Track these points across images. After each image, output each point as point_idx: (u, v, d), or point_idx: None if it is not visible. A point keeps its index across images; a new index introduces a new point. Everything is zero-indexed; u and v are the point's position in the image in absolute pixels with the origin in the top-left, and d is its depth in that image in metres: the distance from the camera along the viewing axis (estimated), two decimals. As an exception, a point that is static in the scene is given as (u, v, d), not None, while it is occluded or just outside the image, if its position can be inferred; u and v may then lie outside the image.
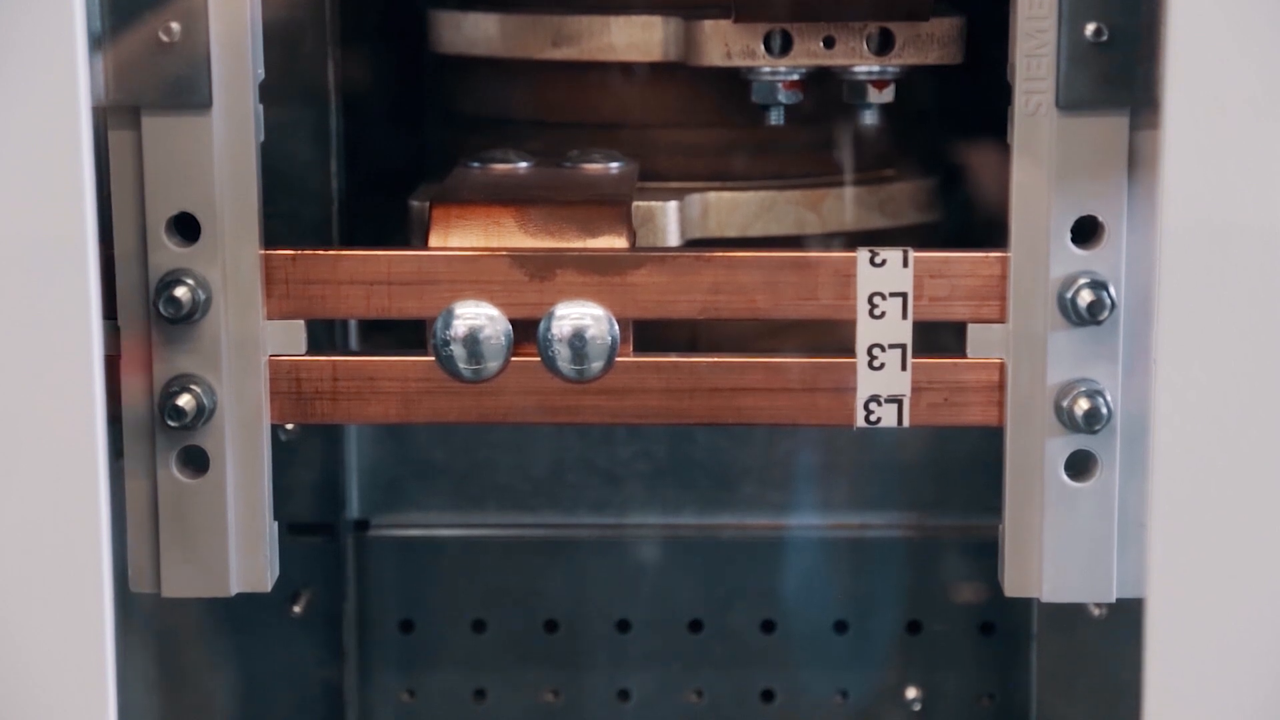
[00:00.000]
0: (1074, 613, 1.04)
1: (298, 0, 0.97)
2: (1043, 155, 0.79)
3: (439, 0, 0.99)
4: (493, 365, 0.80)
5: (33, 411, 0.71)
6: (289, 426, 0.99)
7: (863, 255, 0.81)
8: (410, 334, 0.83)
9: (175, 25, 0.77)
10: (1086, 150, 0.78)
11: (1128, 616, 0.78)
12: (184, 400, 0.80)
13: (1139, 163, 0.78)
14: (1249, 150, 0.71)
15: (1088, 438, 0.80)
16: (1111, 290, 0.79)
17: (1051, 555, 0.81)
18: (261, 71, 0.80)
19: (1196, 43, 0.70)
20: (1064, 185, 0.78)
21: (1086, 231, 0.79)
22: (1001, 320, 0.81)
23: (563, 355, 0.80)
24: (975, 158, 0.98)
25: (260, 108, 0.79)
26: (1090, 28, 0.77)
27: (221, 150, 0.79)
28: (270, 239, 0.81)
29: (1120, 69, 0.77)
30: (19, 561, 0.71)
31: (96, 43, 0.76)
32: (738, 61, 0.90)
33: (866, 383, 0.81)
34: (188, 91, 0.78)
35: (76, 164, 0.69)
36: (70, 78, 0.69)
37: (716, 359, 0.82)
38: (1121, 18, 0.76)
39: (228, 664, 1.07)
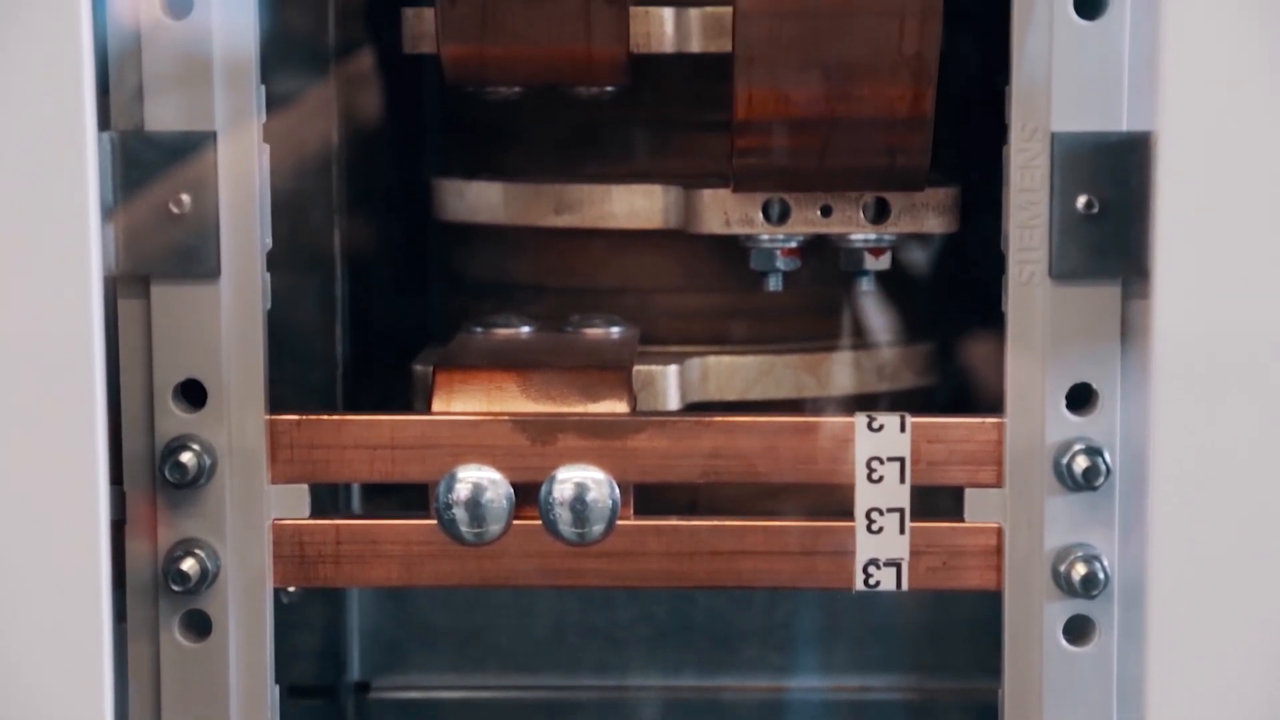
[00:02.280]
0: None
1: (306, 170, 0.99)
2: (1037, 323, 0.80)
3: (443, 169, 1.01)
4: (495, 528, 0.81)
5: (39, 575, 0.71)
6: (290, 589, 1.00)
7: (861, 420, 0.82)
8: (413, 494, 0.84)
9: (185, 197, 0.79)
10: (1080, 319, 0.79)
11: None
12: (188, 564, 0.80)
13: (1132, 331, 0.79)
14: (1240, 320, 0.72)
15: (1086, 603, 0.81)
16: (1106, 456, 0.80)
17: (1051, 719, 0.81)
18: (269, 241, 0.81)
19: (1185, 215, 0.72)
20: (1058, 353, 0.80)
21: (1081, 399, 0.80)
22: (998, 485, 0.81)
23: (564, 519, 0.81)
24: (971, 323, 0.99)
25: (267, 276, 0.81)
26: (1081, 200, 0.78)
27: (229, 318, 0.80)
28: (275, 404, 0.82)
29: (1111, 240, 0.78)
30: (22, 726, 0.71)
31: (108, 213, 0.78)
32: (737, 229, 0.92)
33: (865, 546, 0.82)
34: (196, 261, 0.79)
35: (87, 333, 0.70)
36: (83, 248, 0.70)
37: (716, 523, 0.83)
38: (1112, 190, 0.78)
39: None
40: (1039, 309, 0.80)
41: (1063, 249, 0.79)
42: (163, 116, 0.79)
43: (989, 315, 0.84)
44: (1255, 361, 0.72)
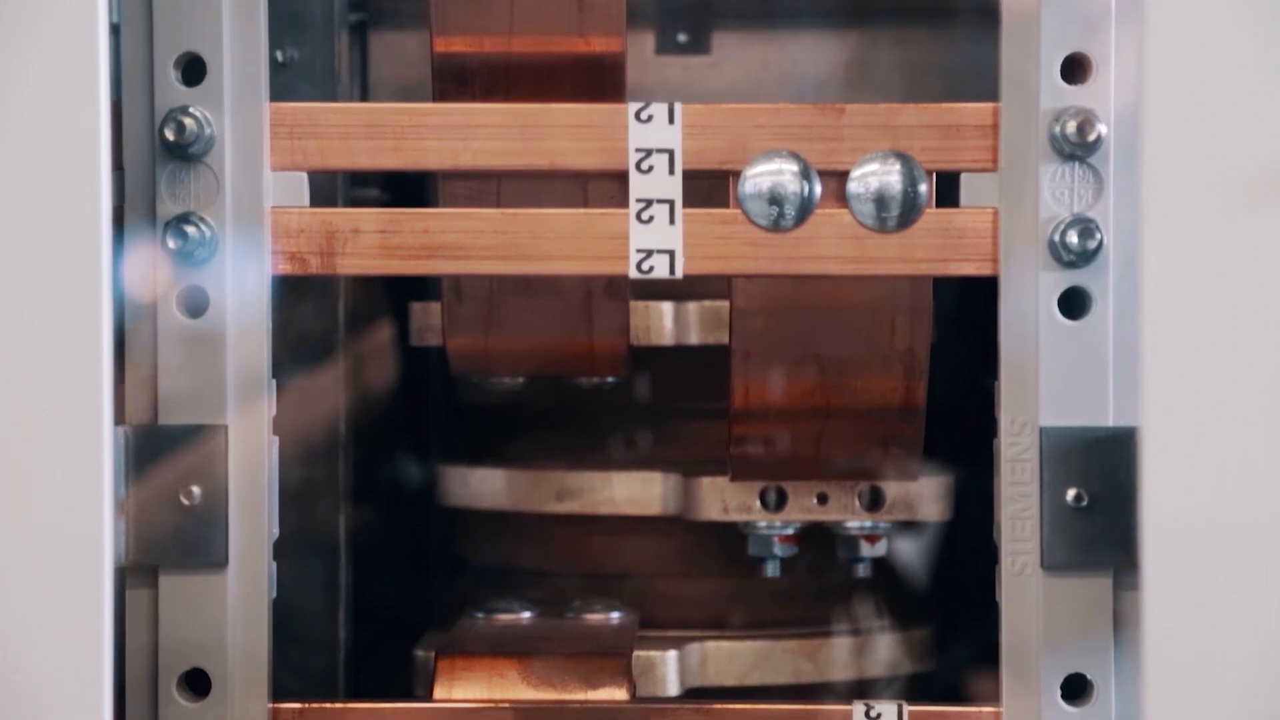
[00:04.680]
0: None
1: (313, 459, 1.01)
2: (1030, 613, 0.81)
3: (447, 456, 1.03)
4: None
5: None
6: None
7: (859, 709, 0.83)
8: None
9: (196, 488, 0.81)
10: (1072, 609, 0.81)
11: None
12: None
13: (1124, 621, 0.81)
14: (1229, 612, 0.73)
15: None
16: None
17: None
18: (276, 530, 0.83)
19: (1172, 509, 0.73)
20: (1052, 644, 0.81)
21: (1076, 689, 0.81)
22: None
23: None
24: (968, 610, 1.00)
25: (274, 565, 0.82)
26: (1071, 493, 0.80)
27: (235, 607, 0.81)
28: (277, 690, 0.83)
29: (1101, 532, 0.80)
30: None
31: (119, 505, 0.80)
32: (735, 516, 0.93)
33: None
34: (205, 551, 0.81)
35: (96, 628, 0.72)
36: (95, 543, 0.72)
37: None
38: (1100, 484, 0.80)
39: None
40: (1032, 600, 0.81)
41: (1053, 541, 0.80)
42: (176, 410, 0.81)
43: (985, 602, 0.85)
44: (1247, 654, 0.73)
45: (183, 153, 0.80)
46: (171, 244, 0.80)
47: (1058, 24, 0.80)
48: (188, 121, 0.80)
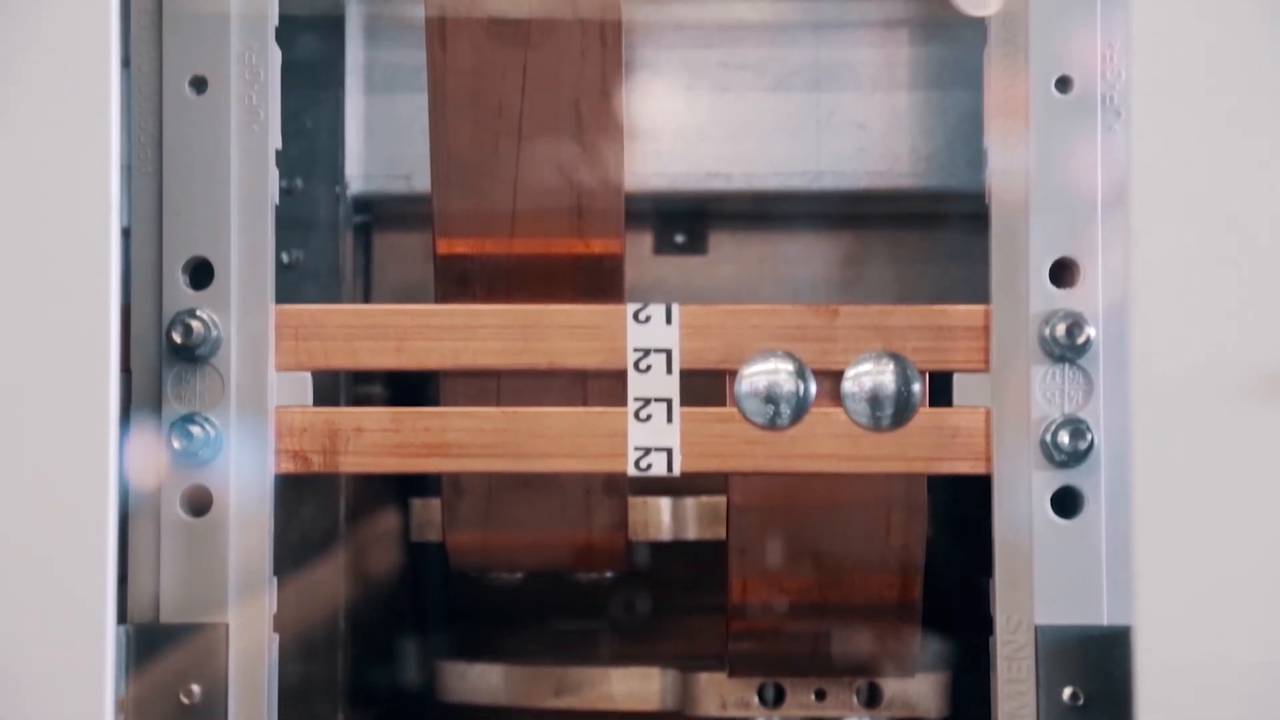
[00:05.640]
0: None
1: (313, 655, 1.01)
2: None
3: (446, 651, 1.03)
4: None
5: None
6: None
7: None
8: None
9: (196, 687, 0.81)
10: (1071, 808, 0.81)
11: None
12: None
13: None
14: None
15: None
16: None
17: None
18: (276, 729, 0.83)
19: (1166, 710, 0.74)
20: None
21: None
22: None
23: None
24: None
25: (274, 760, 0.83)
26: (1067, 691, 0.80)
27: (236, 805, 0.81)
28: None
29: (1098, 731, 0.80)
30: None
31: (120, 704, 0.80)
32: (733, 712, 0.94)
33: None
34: (207, 753, 0.81)
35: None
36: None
37: None
38: (1096, 682, 0.80)
39: None
40: (1032, 810, 0.81)
41: (1051, 740, 0.81)
42: (177, 608, 0.81)
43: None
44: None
45: (189, 355, 0.81)
46: (176, 444, 0.81)
47: (1046, 229, 0.82)
48: (195, 324, 0.81)
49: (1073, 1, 0.82)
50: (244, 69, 0.82)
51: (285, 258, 0.98)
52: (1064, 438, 0.81)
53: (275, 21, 0.83)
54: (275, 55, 0.83)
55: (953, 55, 0.98)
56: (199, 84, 0.82)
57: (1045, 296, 0.82)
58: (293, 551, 0.99)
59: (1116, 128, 0.81)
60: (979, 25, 0.83)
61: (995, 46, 0.83)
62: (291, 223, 0.97)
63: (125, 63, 0.80)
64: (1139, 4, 0.79)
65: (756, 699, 0.93)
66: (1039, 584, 0.81)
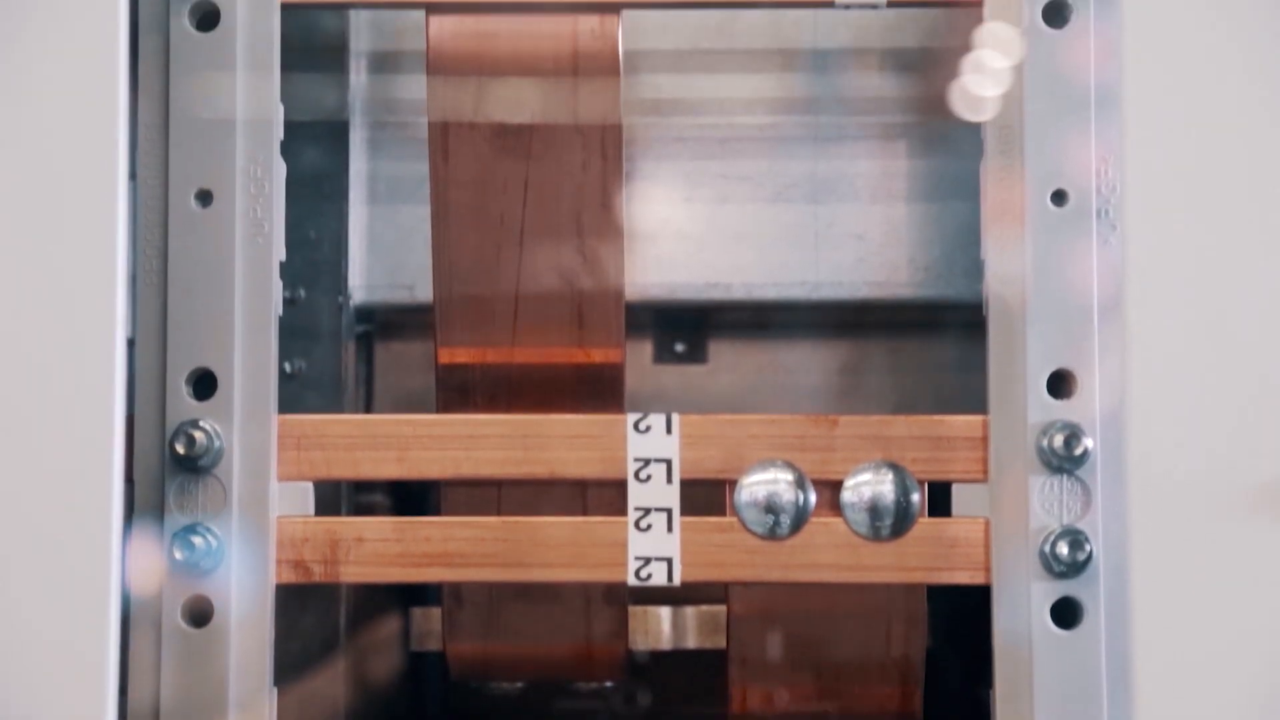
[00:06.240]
0: None
1: None
2: None
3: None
4: None
5: None
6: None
7: None
8: None
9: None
10: None
11: None
12: None
13: None
14: None
15: None
16: None
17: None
18: None
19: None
20: None
21: None
22: None
23: None
24: None
25: None
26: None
27: None
28: None
29: None
30: None
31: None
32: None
33: None
34: None
35: None
36: None
37: None
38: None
39: None
40: None
41: None
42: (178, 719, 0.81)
43: None
44: None
45: (192, 465, 0.82)
46: (178, 555, 0.81)
47: (1043, 340, 0.82)
48: (198, 435, 0.82)
49: (1067, 114, 0.83)
50: (249, 182, 0.83)
51: (288, 367, 0.99)
52: (1063, 549, 0.81)
53: (280, 135, 0.83)
54: (280, 168, 0.84)
55: (950, 167, 0.99)
56: (204, 197, 0.83)
57: (1043, 407, 0.82)
58: (293, 660, 0.99)
59: (1112, 240, 0.82)
60: (975, 138, 0.84)
61: (991, 159, 0.84)
62: (294, 332, 0.98)
63: (132, 175, 0.81)
64: (1132, 118, 0.80)
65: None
66: (1039, 695, 0.81)
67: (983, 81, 0.84)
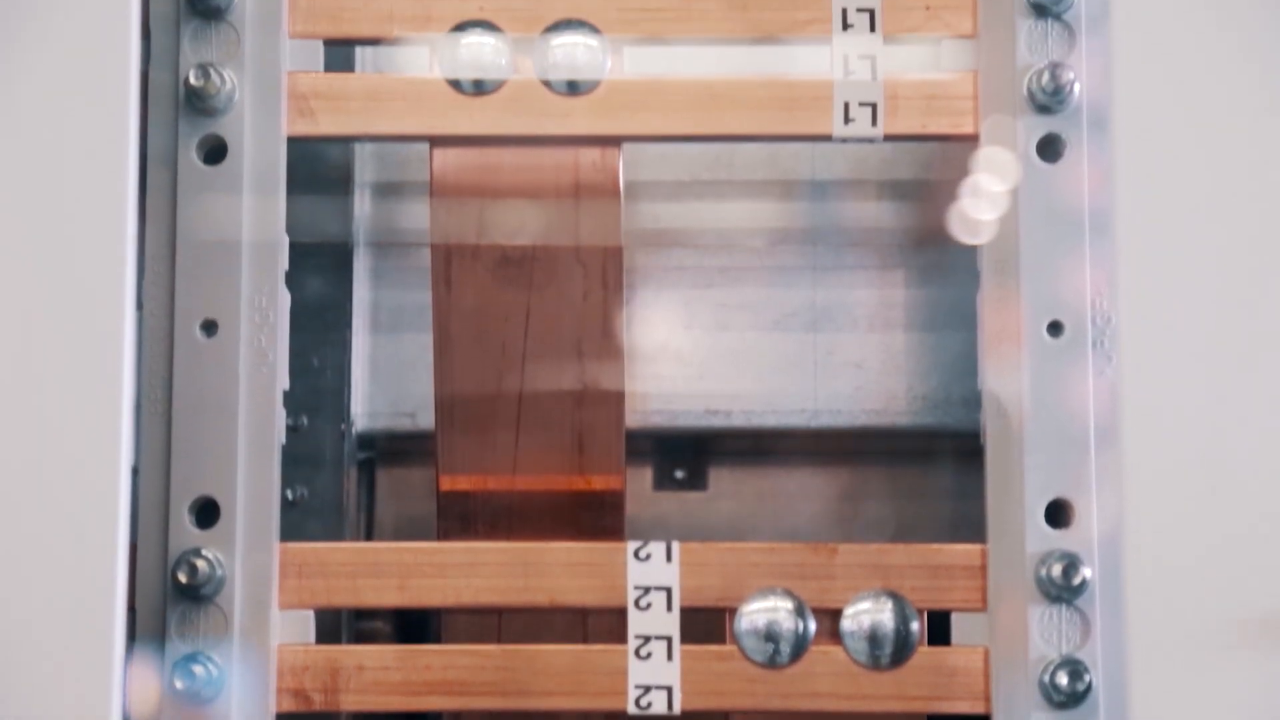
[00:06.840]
0: None
1: None
2: None
3: None
4: None
5: None
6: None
7: None
8: None
9: None
10: None
11: None
12: None
13: None
14: None
15: None
16: None
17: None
18: None
19: None
20: None
21: None
22: None
23: None
24: None
25: None
26: None
27: None
28: None
29: None
30: None
31: None
32: None
33: None
34: None
35: None
36: None
37: None
38: None
39: None
40: None
41: None
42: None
43: None
44: None
45: (194, 594, 0.82)
46: (179, 684, 0.81)
47: (1040, 470, 0.83)
48: (200, 564, 0.82)
49: (1062, 246, 0.84)
50: (254, 312, 0.84)
51: (290, 495, 0.99)
52: (1062, 679, 0.81)
53: (285, 265, 0.84)
54: (285, 299, 0.84)
55: (947, 297, 1.00)
56: (209, 327, 0.84)
57: (1041, 537, 0.83)
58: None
59: (1108, 371, 0.83)
60: (972, 268, 0.85)
61: (988, 289, 0.85)
62: (297, 460, 0.98)
63: (138, 305, 0.82)
64: (1125, 251, 0.81)
65: None
66: None
67: (979, 207, 0.85)
